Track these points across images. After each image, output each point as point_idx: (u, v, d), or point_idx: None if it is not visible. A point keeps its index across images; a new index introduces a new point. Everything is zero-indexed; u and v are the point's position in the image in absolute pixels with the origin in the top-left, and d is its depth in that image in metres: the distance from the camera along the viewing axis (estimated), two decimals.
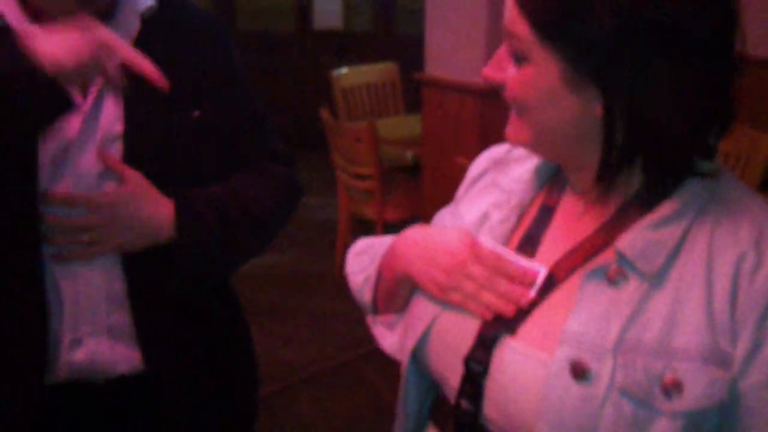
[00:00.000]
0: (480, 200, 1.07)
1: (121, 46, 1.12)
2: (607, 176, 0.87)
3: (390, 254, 1.06)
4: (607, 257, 0.88)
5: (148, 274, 1.27)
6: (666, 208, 0.86)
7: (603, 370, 0.82)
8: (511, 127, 0.93)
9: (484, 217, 1.04)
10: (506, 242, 0.99)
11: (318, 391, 3.26)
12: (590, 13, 0.79)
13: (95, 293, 1.26)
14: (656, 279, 0.84)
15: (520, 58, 0.87)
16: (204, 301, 1.39)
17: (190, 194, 1.29)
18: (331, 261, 4.23)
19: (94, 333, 1.27)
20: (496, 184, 1.07)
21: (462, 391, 0.93)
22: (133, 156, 1.24)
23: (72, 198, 1.21)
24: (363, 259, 1.18)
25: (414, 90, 4.13)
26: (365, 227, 4.04)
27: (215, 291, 1.45)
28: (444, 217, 1.13)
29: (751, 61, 0.87)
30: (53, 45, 1.06)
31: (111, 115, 1.24)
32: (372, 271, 1.13)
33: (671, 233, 0.85)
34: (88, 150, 1.22)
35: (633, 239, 0.85)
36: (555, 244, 0.95)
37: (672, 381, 0.80)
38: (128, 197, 1.22)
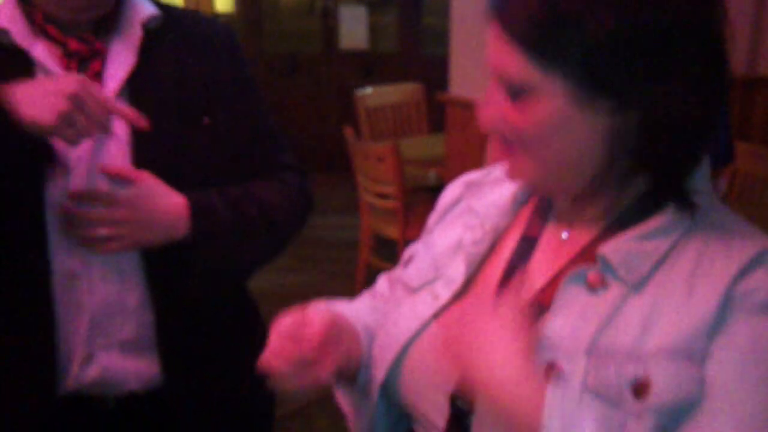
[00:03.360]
0: (454, 227, 1.03)
1: (97, 96, 1.12)
2: (602, 189, 0.85)
3: None
4: (588, 263, 0.85)
5: (169, 281, 1.26)
6: (655, 222, 0.85)
7: (575, 371, 0.80)
8: (513, 165, 0.89)
9: (457, 243, 1.00)
10: (480, 266, 0.97)
11: (334, 412, 3.22)
12: (588, 17, 0.76)
13: (110, 307, 1.24)
14: (636, 288, 0.83)
15: (518, 93, 0.82)
16: (224, 315, 1.38)
17: (204, 192, 1.28)
18: (352, 281, 4.20)
19: (107, 347, 1.26)
20: (471, 209, 1.03)
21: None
22: (142, 163, 1.24)
23: (91, 194, 1.20)
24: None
25: (438, 110, 4.12)
26: (387, 247, 4.01)
27: (236, 305, 1.43)
28: (417, 249, 1.09)
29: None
30: (30, 105, 1.08)
31: (121, 125, 1.23)
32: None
33: (657, 246, 0.84)
34: (100, 159, 1.22)
35: (617, 246, 0.84)
36: (540, 273, 0.91)
37: (641, 381, 0.78)
38: (143, 193, 1.21)
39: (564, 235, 0.93)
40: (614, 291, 0.83)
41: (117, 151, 1.24)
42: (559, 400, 0.78)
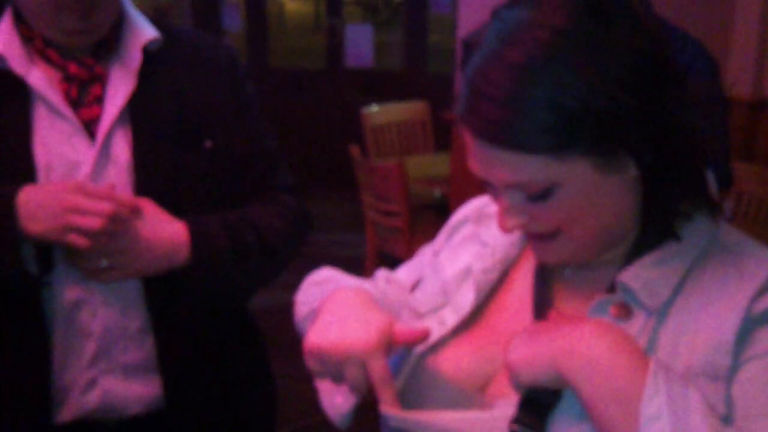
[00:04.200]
0: (461, 253, 1.02)
1: (98, 194, 1.14)
2: (658, 230, 0.85)
3: (323, 300, 0.97)
4: (609, 293, 0.85)
5: (170, 306, 1.26)
6: (669, 248, 0.85)
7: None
8: (548, 253, 0.87)
9: (466, 270, 0.99)
10: (489, 295, 0.96)
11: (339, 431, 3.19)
12: (591, 88, 0.76)
13: (112, 332, 1.24)
14: (661, 314, 0.82)
15: (543, 194, 0.81)
16: (225, 337, 1.37)
17: (203, 218, 1.28)
18: None
19: (110, 372, 1.25)
20: (478, 238, 1.02)
21: None
22: (144, 187, 1.24)
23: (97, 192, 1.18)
24: (314, 291, 1.10)
25: (444, 128, 4.12)
26: (392, 264, 3.99)
27: (237, 327, 1.43)
28: (424, 267, 1.08)
29: None
30: (34, 221, 1.13)
31: (123, 149, 1.24)
32: (316, 305, 1.01)
33: (674, 270, 0.84)
34: (103, 182, 1.22)
35: (636, 273, 0.84)
36: (567, 309, 0.90)
37: None
38: (144, 222, 1.21)
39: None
40: (639, 320, 0.82)
41: (117, 178, 1.23)
42: None
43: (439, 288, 1.01)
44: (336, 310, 0.90)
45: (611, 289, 0.86)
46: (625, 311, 0.83)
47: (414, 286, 1.07)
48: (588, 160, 0.79)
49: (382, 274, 1.15)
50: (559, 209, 0.82)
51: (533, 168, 0.79)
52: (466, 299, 0.96)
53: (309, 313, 1.07)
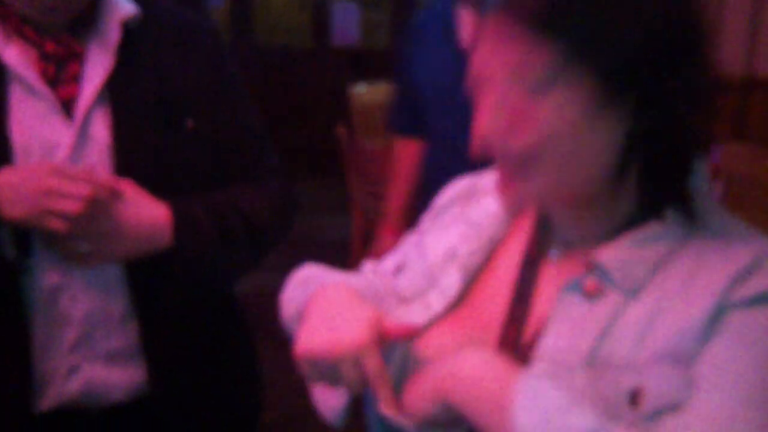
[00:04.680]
0: (447, 234, 1.00)
1: (76, 176, 1.11)
2: (601, 201, 0.83)
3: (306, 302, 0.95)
4: (584, 271, 0.83)
5: (153, 291, 1.25)
6: (651, 228, 0.83)
7: (573, 384, 0.78)
8: (510, 191, 0.83)
9: (452, 252, 0.96)
10: (474, 276, 0.94)
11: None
12: (625, 11, 0.74)
13: (94, 318, 1.22)
14: (634, 295, 0.81)
15: (539, 86, 0.77)
16: (210, 322, 1.36)
17: (186, 200, 1.25)
18: None
19: (92, 359, 1.23)
20: (465, 218, 0.99)
21: None
22: (124, 168, 1.21)
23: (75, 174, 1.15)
24: (298, 291, 1.05)
25: None
26: None
27: (222, 311, 1.42)
28: (408, 249, 1.05)
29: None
30: (11, 204, 1.10)
31: (102, 129, 1.21)
32: (302, 306, 0.98)
33: (655, 251, 0.82)
34: (81, 164, 1.19)
35: (613, 253, 0.82)
36: (546, 297, 0.88)
37: (635, 390, 0.76)
38: (125, 205, 1.18)
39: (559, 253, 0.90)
40: (611, 298, 0.81)
41: (97, 158, 1.20)
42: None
43: (424, 271, 0.99)
44: (322, 310, 0.89)
45: (589, 268, 0.83)
46: (598, 290, 0.81)
47: (398, 270, 1.04)
48: (597, 79, 0.76)
49: (368, 266, 1.12)
50: (543, 121, 0.77)
51: (552, 54, 0.76)
52: (451, 282, 0.94)
53: (296, 314, 1.03)
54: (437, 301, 0.94)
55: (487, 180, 1.02)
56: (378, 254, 2.49)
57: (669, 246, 0.82)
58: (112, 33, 1.23)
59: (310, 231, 4.45)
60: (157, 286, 1.25)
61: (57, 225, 1.11)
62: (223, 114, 1.32)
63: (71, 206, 1.10)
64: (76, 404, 1.24)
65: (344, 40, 6.23)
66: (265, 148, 1.40)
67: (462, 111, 2.10)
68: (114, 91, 1.22)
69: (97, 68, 1.21)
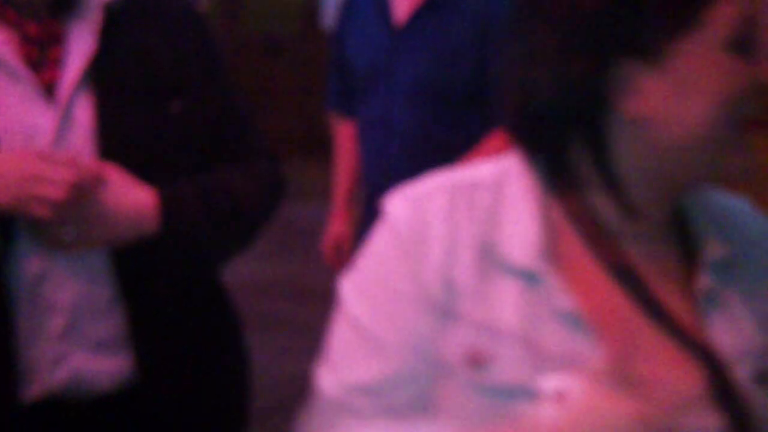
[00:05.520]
0: (496, 296, 0.84)
1: (61, 162, 1.10)
2: None
3: None
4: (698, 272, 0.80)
5: (140, 277, 1.23)
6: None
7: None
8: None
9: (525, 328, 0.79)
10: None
11: None
12: None
13: (80, 305, 1.20)
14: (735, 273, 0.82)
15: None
16: (198, 310, 1.35)
17: (173, 184, 1.25)
18: (331, 269, 4.12)
19: (79, 347, 1.22)
20: (505, 266, 0.78)
21: None
22: (108, 152, 1.19)
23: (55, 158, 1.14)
24: None
25: None
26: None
27: (210, 299, 1.41)
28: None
29: None
30: None
31: (85, 113, 1.20)
32: None
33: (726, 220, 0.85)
34: (65, 149, 1.18)
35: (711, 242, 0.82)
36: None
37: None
38: (110, 190, 1.17)
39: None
40: (736, 287, 0.81)
41: (81, 143, 1.19)
42: None
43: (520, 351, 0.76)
44: None
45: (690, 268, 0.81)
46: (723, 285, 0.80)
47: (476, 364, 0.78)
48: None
49: None
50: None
51: None
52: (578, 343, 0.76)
53: None
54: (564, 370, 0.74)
55: (489, 193, 0.81)
56: (330, 239, 2.46)
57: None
58: (94, 14, 1.21)
59: (298, 218, 4.41)
60: (144, 272, 1.24)
61: (41, 211, 1.09)
62: (208, 97, 1.31)
63: (55, 192, 1.09)
64: (64, 394, 1.22)
65: (332, 26, 6.18)
66: (252, 130, 1.40)
67: (396, 90, 2.10)
68: (97, 74, 1.21)
69: (79, 51, 1.20)
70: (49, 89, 1.18)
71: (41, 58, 1.19)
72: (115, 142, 1.20)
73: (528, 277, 0.76)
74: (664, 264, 0.81)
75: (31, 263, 1.17)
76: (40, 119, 1.17)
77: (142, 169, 1.20)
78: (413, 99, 2.07)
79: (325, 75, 2.38)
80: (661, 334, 0.76)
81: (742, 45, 0.73)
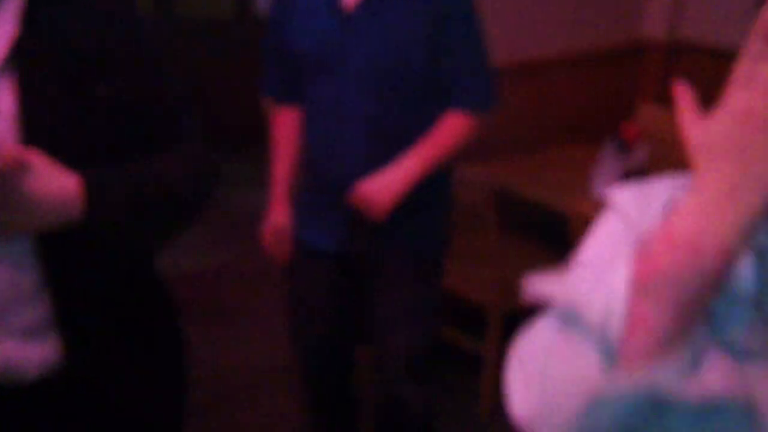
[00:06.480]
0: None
1: None
2: None
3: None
4: None
5: (65, 264, 1.22)
6: None
7: None
8: None
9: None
10: None
11: (261, 396, 3.14)
12: None
13: (4, 293, 1.19)
14: None
15: None
16: (130, 297, 1.35)
17: (98, 170, 1.21)
18: (270, 259, 4.08)
19: (7, 335, 1.20)
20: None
21: None
22: (32, 139, 1.16)
23: None
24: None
25: None
26: None
27: (143, 287, 1.40)
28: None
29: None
30: None
31: (7, 99, 1.17)
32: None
33: None
34: None
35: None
36: None
37: None
38: (31, 176, 1.12)
39: None
40: None
41: (3, 129, 1.16)
42: None
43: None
44: None
45: None
46: None
47: None
48: None
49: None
50: None
51: None
52: None
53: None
54: None
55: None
56: (269, 228, 2.43)
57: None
58: None
59: (234, 208, 4.33)
60: (70, 258, 1.22)
61: None
62: (136, 81, 1.28)
63: None
64: None
65: (267, 10, 6.09)
66: (184, 113, 1.37)
67: (348, 76, 2.08)
68: (19, 59, 1.17)
69: (0, 35, 1.16)
70: None
71: None
72: (39, 127, 1.17)
73: None
74: None
75: None
76: None
77: (67, 155, 1.17)
78: (365, 84, 2.05)
79: (259, 61, 2.32)
80: None
81: None
